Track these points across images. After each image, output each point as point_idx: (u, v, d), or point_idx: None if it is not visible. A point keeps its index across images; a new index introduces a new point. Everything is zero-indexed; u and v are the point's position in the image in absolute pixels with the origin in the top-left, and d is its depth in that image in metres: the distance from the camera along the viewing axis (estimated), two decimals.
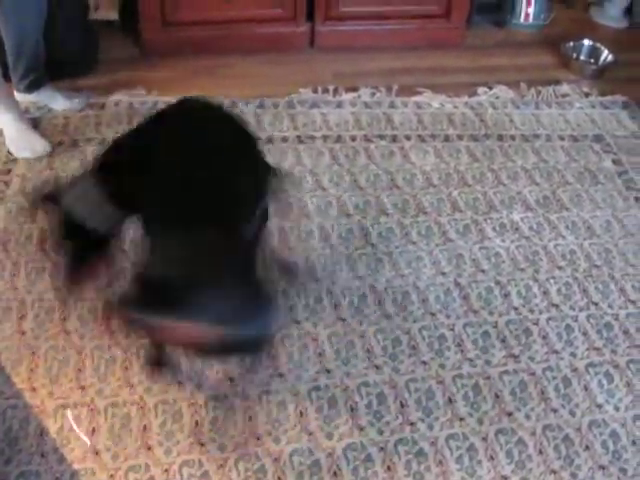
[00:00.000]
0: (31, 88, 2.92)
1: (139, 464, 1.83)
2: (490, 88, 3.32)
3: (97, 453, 1.84)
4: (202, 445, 1.87)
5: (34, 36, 2.75)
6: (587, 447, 1.95)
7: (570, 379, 2.11)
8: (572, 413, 2.03)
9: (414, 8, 3.49)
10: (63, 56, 3.05)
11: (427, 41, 3.57)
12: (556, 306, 2.33)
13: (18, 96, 2.90)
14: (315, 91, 3.21)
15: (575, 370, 2.14)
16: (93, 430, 1.89)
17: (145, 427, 1.90)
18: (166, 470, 1.82)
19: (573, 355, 2.18)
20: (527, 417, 2.01)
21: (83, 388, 1.99)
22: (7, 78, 2.79)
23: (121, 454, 1.84)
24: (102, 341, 2.10)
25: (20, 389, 1.97)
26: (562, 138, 3.06)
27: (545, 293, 2.37)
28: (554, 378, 2.12)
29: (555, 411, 2.03)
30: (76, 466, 1.81)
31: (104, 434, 1.88)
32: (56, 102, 2.98)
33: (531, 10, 3.79)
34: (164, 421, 1.92)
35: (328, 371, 2.07)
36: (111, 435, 1.88)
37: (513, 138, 3.03)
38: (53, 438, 1.86)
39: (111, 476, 1.80)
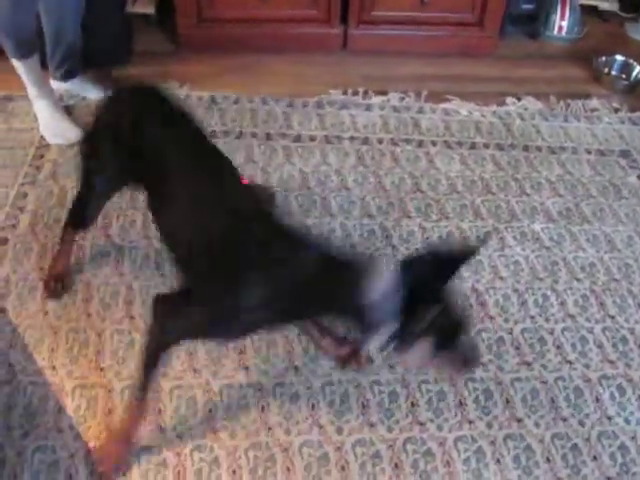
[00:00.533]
0: (66, 76, 2.98)
1: (152, 446, 1.86)
2: (519, 99, 3.33)
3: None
4: (214, 432, 1.91)
5: (73, 26, 2.81)
6: (595, 458, 1.96)
7: (582, 389, 2.12)
8: (582, 423, 2.04)
9: (448, 15, 3.51)
10: (99, 47, 3.10)
11: (459, 49, 3.60)
12: (572, 317, 2.34)
13: (53, 84, 2.97)
14: (345, 93, 3.24)
15: (588, 381, 2.15)
16: (109, 411, 1.93)
17: (159, 410, 1.94)
18: (178, 453, 1.85)
19: (586, 366, 2.19)
20: (536, 424, 2.02)
21: (102, 369, 2.03)
22: (44, 66, 2.85)
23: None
24: (122, 325, 2.15)
25: (41, 367, 2.02)
26: (589, 152, 3.06)
27: (562, 303, 2.38)
28: (566, 388, 2.12)
29: (565, 420, 2.04)
30: (91, 444, 1.85)
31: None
32: (90, 91, 3.04)
33: (565, 23, 3.79)
34: (178, 406, 1.95)
35: (342, 367, 2.10)
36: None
37: (539, 149, 3.04)
38: (70, 416, 1.91)
39: None
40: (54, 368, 2.02)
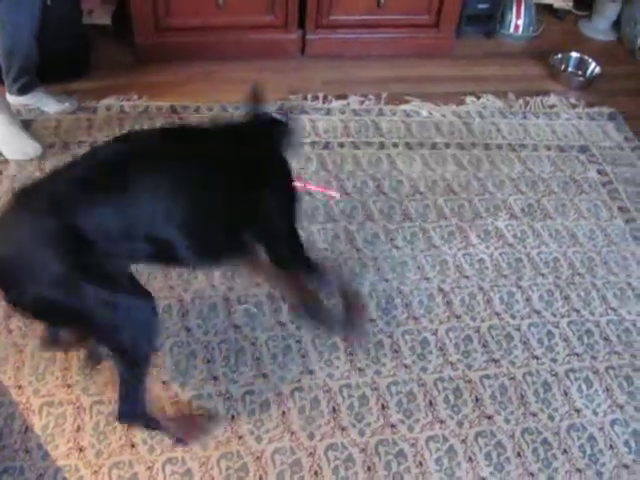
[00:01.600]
0: (23, 90, 2.94)
1: (123, 461, 1.85)
2: (478, 97, 3.36)
3: (81, 450, 1.87)
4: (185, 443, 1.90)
5: (27, 39, 2.77)
6: (565, 451, 1.98)
7: (550, 384, 2.15)
8: (551, 417, 2.06)
9: (404, 18, 3.52)
10: (55, 59, 3.07)
11: (417, 50, 3.61)
12: (538, 312, 2.36)
13: (10, 98, 2.93)
14: (305, 98, 3.24)
15: (555, 375, 2.17)
16: (78, 428, 1.91)
17: (129, 425, 1.92)
18: (149, 467, 1.84)
19: (553, 360, 2.22)
20: (506, 420, 2.04)
21: (69, 386, 2.01)
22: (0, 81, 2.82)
23: (105, 451, 1.87)
24: (87, 341, 2.13)
25: (6, 386, 1.99)
26: (548, 148, 3.10)
27: (527, 299, 2.40)
28: (534, 383, 2.15)
29: (534, 415, 2.06)
30: (60, 462, 1.83)
31: (89, 431, 1.91)
32: (48, 105, 3.00)
33: (521, 22, 3.83)
34: None
35: (311, 372, 2.10)
36: (95, 432, 1.91)
37: (500, 147, 3.07)
38: (38, 435, 1.89)
39: (95, 472, 1.82)
40: (20, 387, 2.00)
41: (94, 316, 1.62)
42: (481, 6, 3.76)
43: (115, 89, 3.19)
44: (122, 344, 1.69)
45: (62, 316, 1.68)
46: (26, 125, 2.88)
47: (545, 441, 2.00)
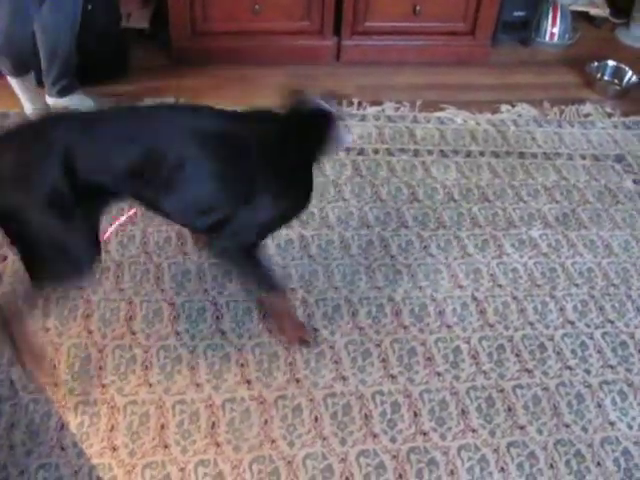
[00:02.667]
0: (63, 92, 2.99)
1: (156, 461, 1.87)
2: (513, 106, 3.35)
3: (115, 449, 1.89)
4: (218, 446, 1.91)
5: (68, 44, 2.82)
6: (599, 464, 1.96)
7: (583, 395, 2.13)
8: (584, 429, 2.04)
9: (440, 25, 3.52)
10: (94, 62, 3.11)
11: (452, 58, 3.61)
12: (572, 323, 2.34)
13: (50, 100, 2.97)
14: (340, 104, 3.24)
15: (589, 387, 2.15)
16: (112, 427, 1.93)
17: (162, 426, 1.94)
18: (182, 469, 1.85)
19: (587, 372, 2.20)
20: (539, 431, 2.03)
21: (104, 386, 2.03)
22: (40, 82, 2.86)
23: (138, 451, 1.88)
24: (123, 340, 2.15)
25: (43, 384, 2.01)
26: (583, 157, 3.08)
27: (561, 310, 2.38)
28: (567, 394, 2.13)
29: (567, 426, 2.05)
30: (94, 461, 1.85)
31: (122, 431, 1.92)
32: (86, 106, 3.04)
33: (556, 29, 3.81)
34: (181, 421, 1.96)
35: (344, 378, 2.10)
36: (129, 432, 1.92)
37: (534, 156, 3.06)
38: (73, 433, 1.91)
39: (128, 472, 1.84)
40: (56, 385, 2.02)
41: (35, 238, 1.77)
42: (517, 14, 3.75)
43: (152, 91, 3.23)
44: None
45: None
46: None
47: (578, 453, 1.98)
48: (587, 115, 3.35)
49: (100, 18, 3.11)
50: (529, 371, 2.18)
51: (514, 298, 2.41)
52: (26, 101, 2.76)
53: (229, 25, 3.40)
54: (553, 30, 3.82)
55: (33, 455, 1.85)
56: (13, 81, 2.67)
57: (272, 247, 2.48)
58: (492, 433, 2.01)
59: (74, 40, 2.83)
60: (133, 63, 3.42)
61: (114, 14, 3.29)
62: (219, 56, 3.45)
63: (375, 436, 1.97)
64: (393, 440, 1.97)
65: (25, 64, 2.62)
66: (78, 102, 3.03)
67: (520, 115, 3.30)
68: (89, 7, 2.92)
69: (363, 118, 3.18)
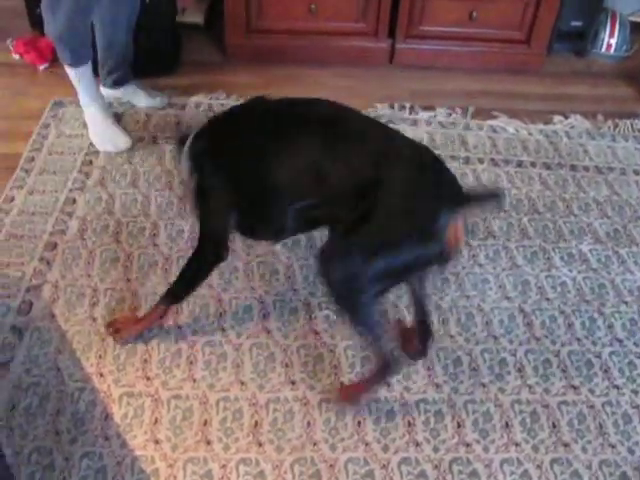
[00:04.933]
0: (117, 84, 3.02)
1: (197, 457, 1.87)
2: (566, 117, 3.30)
3: (157, 442, 1.89)
4: (260, 445, 1.91)
5: (125, 38, 2.85)
6: None
7: (630, 416, 2.09)
8: (631, 451, 2.00)
9: (496, 32, 3.49)
10: (148, 55, 3.14)
11: (506, 65, 3.57)
12: (620, 341, 2.30)
13: (103, 90, 3.00)
14: (392, 107, 3.23)
15: (636, 407, 2.11)
16: (155, 420, 1.94)
17: (206, 422, 1.95)
18: (223, 466, 1.86)
19: (635, 392, 2.16)
20: (584, 450, 1.99)
21: (148, 378, 2.04)
22: (95, 73, 2.89)
23: (181, 446, 1.89)
24: (169, 335, 2.16)
25: (89, 373, 2.03)
26: (637, 173, 3.02)
27: (609, 327, 2.34)
28: (614, 413, 2.09)
29: (613, 447, 2.01)
30: (137, 453, 1.86)
31: (165, 425, 1.93)
32: (139, 99, 3.07)
33: (614, 41, 3.75)
34: (224, 418, 1.96)
35: (388, 384, 2.08)
36: (172, 426, 1.93)
37: (586, 169, 3.01)
38: (117, 423, 1.92)
39: (170, 466, 1.85)
40: (102, 375, 2.04)
41: None
42: (574, 23, 3.70)
43: (204, 87, 3.25)
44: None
45: None
46: (117, 118, 2.95)
47: (624, 475, 1.94)
48: None
49: (157, 12, 3.14)
50: (575, 388, 2.15)
51: (562, 312, 2.37)
52: (82, 91, 2.78)
53: (284, 23, 3.40)
54: (610, 41, 3.76)
55: (78, 443, 1.87)
56: (70, 70, 2.69)
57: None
58: (535, 448, 1.98)
59: (131, 33, 2.86)
60: (185, 57, 3.44)
61: (170, 8, 3.32)
62: (271, 54, 3.46)
63: (418, 444, 1.96)
64: (436, 450, 1.95)
65: (84, 55, 2.65)
66: (131, 94, 3.06)
67: (573, 127, 3.26)
68: (147, 0, 2.93)
69: (415, 123, 3.16)
